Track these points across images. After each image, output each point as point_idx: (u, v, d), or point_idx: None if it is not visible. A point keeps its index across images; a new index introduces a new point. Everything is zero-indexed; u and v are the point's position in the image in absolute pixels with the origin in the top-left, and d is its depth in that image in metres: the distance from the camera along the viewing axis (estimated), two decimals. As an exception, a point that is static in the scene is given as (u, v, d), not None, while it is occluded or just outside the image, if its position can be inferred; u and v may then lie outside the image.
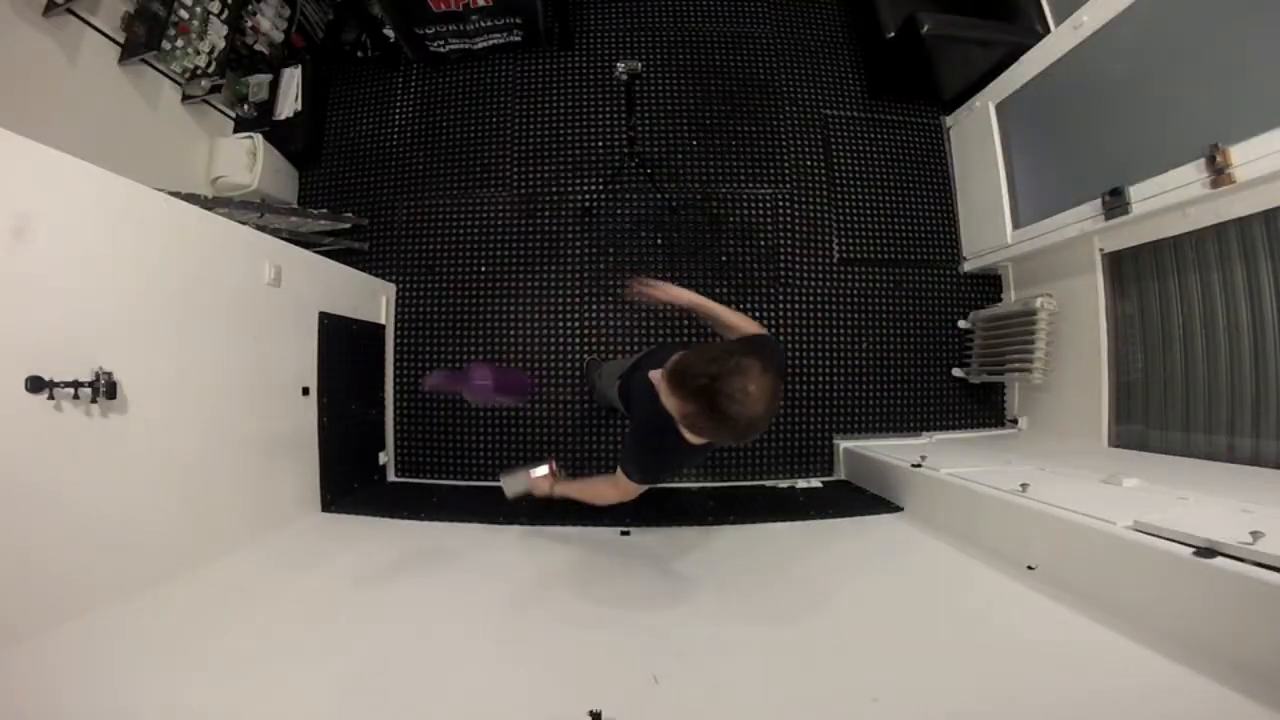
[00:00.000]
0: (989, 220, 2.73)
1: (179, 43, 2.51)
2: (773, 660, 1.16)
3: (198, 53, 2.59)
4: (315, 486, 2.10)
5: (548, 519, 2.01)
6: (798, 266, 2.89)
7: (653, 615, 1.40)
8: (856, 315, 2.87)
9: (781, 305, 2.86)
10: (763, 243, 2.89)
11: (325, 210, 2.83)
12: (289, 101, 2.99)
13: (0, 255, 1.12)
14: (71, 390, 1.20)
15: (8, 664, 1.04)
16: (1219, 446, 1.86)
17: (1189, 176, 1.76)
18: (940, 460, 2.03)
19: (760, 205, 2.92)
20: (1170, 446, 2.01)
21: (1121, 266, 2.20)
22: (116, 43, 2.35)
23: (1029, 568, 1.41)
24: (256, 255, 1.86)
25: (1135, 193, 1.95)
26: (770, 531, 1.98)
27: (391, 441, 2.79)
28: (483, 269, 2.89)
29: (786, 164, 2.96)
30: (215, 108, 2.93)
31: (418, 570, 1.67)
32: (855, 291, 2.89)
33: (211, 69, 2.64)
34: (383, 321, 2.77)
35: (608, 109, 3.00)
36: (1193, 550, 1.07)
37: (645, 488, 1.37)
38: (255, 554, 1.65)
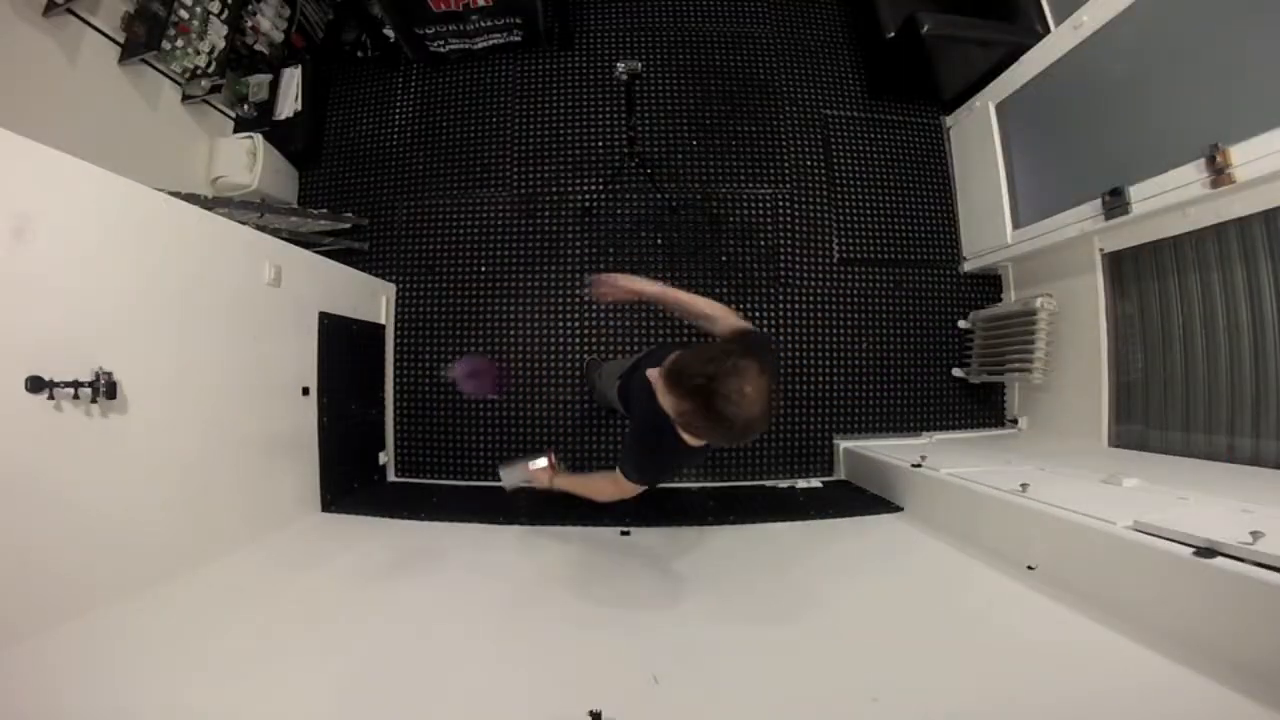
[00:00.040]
0: (989, 220, 2.73)
1: (179, 43, 2.51)
2: (773, 660, 1.16)
3: (198, 53, 2.59)
4: (315, 486, 2.10)
5: (548, 519, 2.01)
6: (798, 266, 2.88)
7: (653, 615, 1.40)
8: (856, 315, 2.87)
9: (781, 305, 2.86)
10: (763, 243, 2.89)
11: (325, 210, 2.83)
12: (289, 101, 2.99)
13: (0, 255, 1.12)
14: (71, 390, 1.19)
15: (8, 664, 1.04)
16: (1219, 446, 1.86)
17: (1189, 176, 1.76)
18: (940, 460, 2.03)
19: (760, 205, 2.92)
20: (1170, 446, 2.01)
21: (1121, 266, 2.20)
22: (116, 43, 2.35)
23: (1029, 568, 1.41)
24: (256, 255, 1.86)
25: (1135, 193, 1.95)
26: (770, 531, 1.98)
27: (391, 441, 2.79)
28: (483, 269, 2.89)
29: (786, 164, 2.96)
30: (215, 108, 2.93)
31: (418, 570, 1.67)
32: (855, 291, 2.89)
33: (211, 69, 2.64)
34: (383, 321, 2.77)
35: (608, 109, 3.00)
36: (1193, 550, 1.07)
37: (644, 487, 1.37)
38: (255, 554, 1.65)
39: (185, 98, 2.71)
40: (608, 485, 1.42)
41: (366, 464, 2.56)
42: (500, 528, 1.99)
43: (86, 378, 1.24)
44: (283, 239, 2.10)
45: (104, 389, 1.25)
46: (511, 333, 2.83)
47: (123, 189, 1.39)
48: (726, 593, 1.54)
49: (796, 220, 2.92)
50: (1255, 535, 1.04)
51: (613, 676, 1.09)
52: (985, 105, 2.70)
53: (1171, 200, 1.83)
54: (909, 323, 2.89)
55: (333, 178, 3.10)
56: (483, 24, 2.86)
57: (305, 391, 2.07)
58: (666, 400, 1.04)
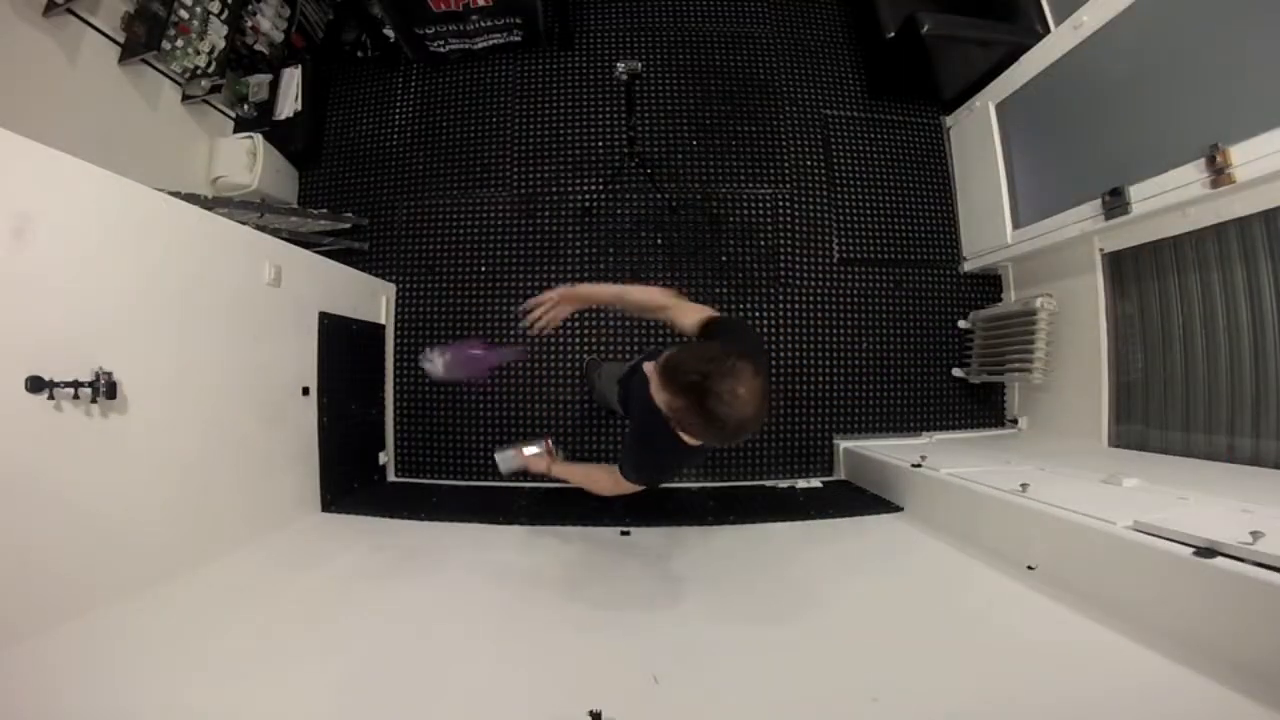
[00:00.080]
0: (989, 220, 2.73)
1: (179, 43, 2.51)
2: (773, 660, 1.16)
3: (198, 53, 2.59)
4: (315, 486, 2.10)
5: (548, 519, 2.01)
6: (798, 266, 2.88)
7: (653, 615, 1.40)
8: (856, 315, 2.87)
9: (781, 305, 2.86)
10: (763, 243, 2.89)
11: (325, 210, 2.84)
12: (289, 101, 2.99)
13: (0, 255, 1.12)
14: (71, 390, 1.19)
15: (8, 664, 1.04)
16: (1219, 446, 1.86)
17: (1189, 176, 1.76)
18: (940, 460, 2.03)
19: (760, 205, 2.92)
20: (1170, 446, 2.01)
21: (1121, 266, 2.20)
22: (116, 43, 2.35)
23: (1029, 568, 1.41)
24: (256, 255, 1.86)
25: (1135, 193, 1.95)
26: (770, 531, 1.98)
27: (391, 441, 2.79)
28: (483, 269, 2.89)
29: (786, 164, 2.96)
30: (215, 108, 2.93)
31: (418, 570, 1.67)
32: (855, 291, 2.89)
33: (211, 69, 2.64)
34: (383, 321, 2.77)
35: (608, 109, 3.00)
36: (1193, 550, 1.07)
37: (643, 486, 1.37)
38: (255, 554, 1.65)
39: (185, 98, 2.71)
40: (606, 480, 1.42)
41: (366, 464, 2.56)
42: (500, 528, 1.99)
43: (86, 378, 1.24)
44: (283, 239, 2.10)
45: (104, 389, 1.25)
46: (512, 333, 2.83)
47: (123, 189, 1.39)
48: (726, 592, 1.54)
49: (796, 220, 2.92)
50: (1255, 535, 1.04)
51: (613, 676, 1.09)
52: (985, 105, 2.70)
53: (1171, 200, 1.83)
54: (909, 323, 2.89)
55: (333, 178, 3.10)
56: (483, 24, 2.86)
57: (305, 391, 2.07)
58: (660, 396, 1.04)
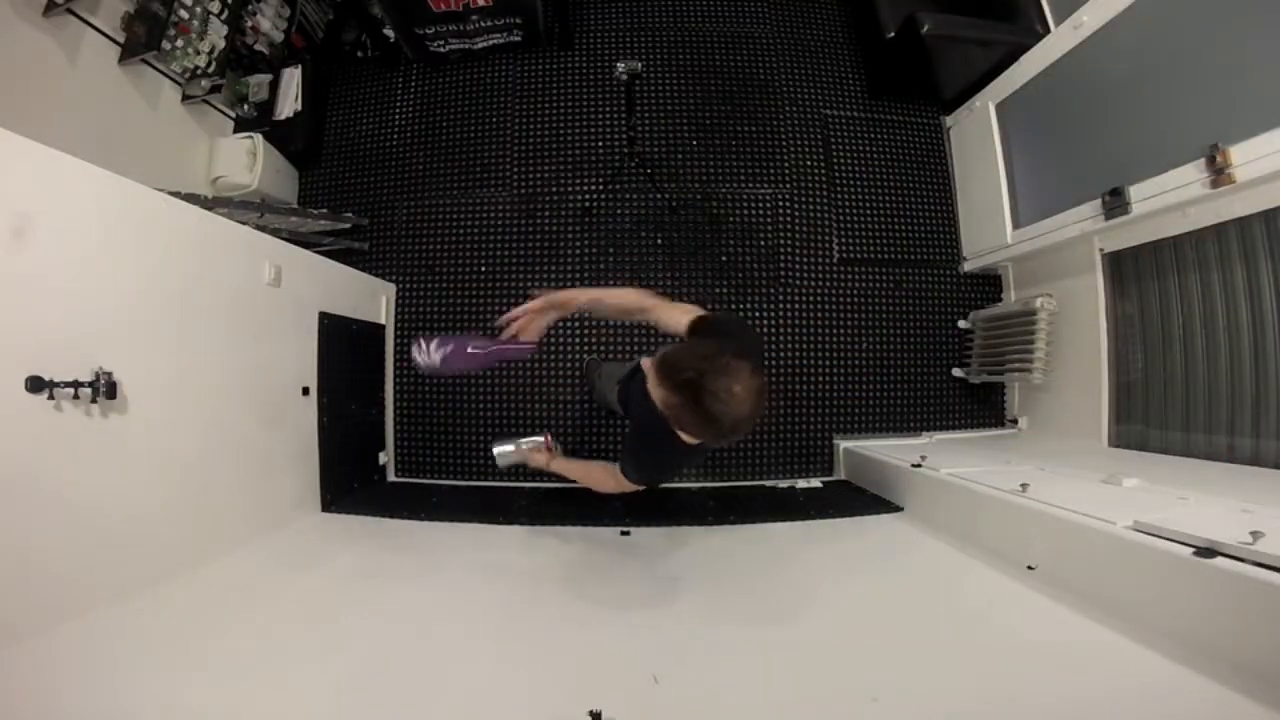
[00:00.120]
0: (989, 220, 2.73)
1: (179, 43, 2.51)
2: (773, 660, 1.16)
3: (198, 53, 2.59)
4: (315, 486, 2.10)
5: (548, 519, 2.01)
6: (798, 266, 2.88)
7: (653, 615, 1.40)
8: (856, 315, 2.87)
9: (781, 305, 2.86)
10: (763, 243, 2.89)
11: (325, 210, 2.83)
12: (289, 101, 2.99)
13: (0, 255, 1.12)
14: (71, 390, 1.19)
15: (8, 664, 1.04)
16: (1219, 446, 1.86)
17: (1189, 176, 1.76)
18: (940, 460, 2.03)
19: (760, 205, 2.92)
20: (1170, 446, 2.01)
21: (1121, 266, 2.20)
22: (116, 43, 2.35)
23: (1029, 568, 1.41)
24: (256, 255, 1.86)
25: (1135, 193, 1.95)
26: (770, 531, 1.98)
27: (391, 441, 2.79)
28: (483, 269, 2.89)
29: (786, 164, 2.96)
30: (215, 108, 2.93)
31: (418, 570, 1.67)
32: (855, 291, 2.89)
33: (211, 69, 2.64)
34: (383, 321, 2.77)
35: (608, 109, 3.00)
36: (1193, 550, 1.07)
37: (643, 486, 1.37)
38: (255, 554, 1.64)
39: (185, 98, 2.71)
40: (606, 478, 1.41)
41: (366, 464, 2.56)
42: (500, 528, 1.98)
43: (86, 378, 1.24)
44: (283, 239, 2.10)
45: (104, 389, 1.25)
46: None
47: (123, 189, 1.39)
48: (726, 592, 1.54)
49: (796, 220, 2.92)
50: (1255, 535, 1.04)
51: (613, 676, 1.09)
52: (985, 105, 2.70)
53: (1171, 200, 1.83)
54: (909, 323, 2.89)
55: (333, 178, 3.10)
56: (483, 24, 2.86)
57: (305, 391, 2.07)
58: (656, 392, 1.04)
